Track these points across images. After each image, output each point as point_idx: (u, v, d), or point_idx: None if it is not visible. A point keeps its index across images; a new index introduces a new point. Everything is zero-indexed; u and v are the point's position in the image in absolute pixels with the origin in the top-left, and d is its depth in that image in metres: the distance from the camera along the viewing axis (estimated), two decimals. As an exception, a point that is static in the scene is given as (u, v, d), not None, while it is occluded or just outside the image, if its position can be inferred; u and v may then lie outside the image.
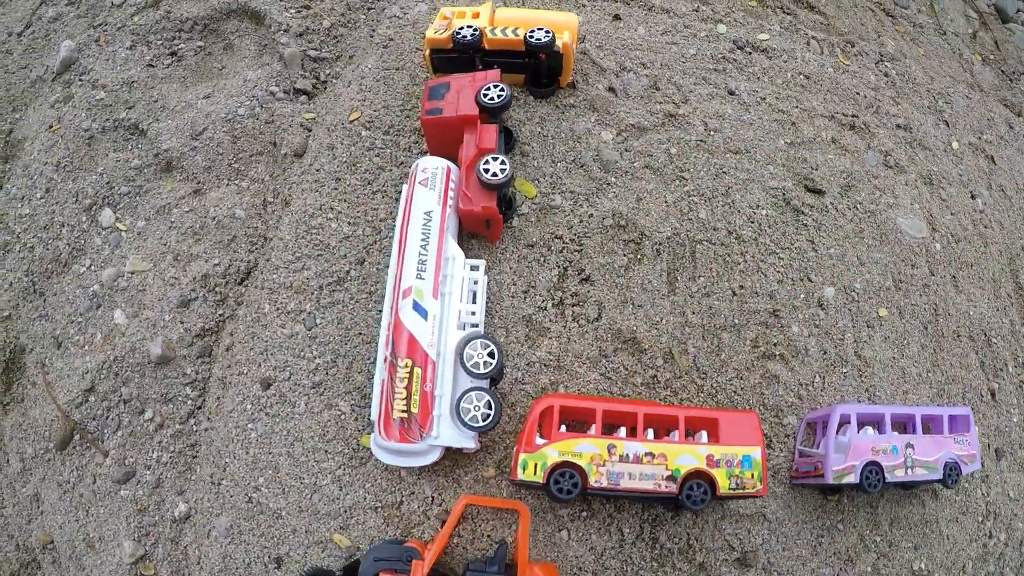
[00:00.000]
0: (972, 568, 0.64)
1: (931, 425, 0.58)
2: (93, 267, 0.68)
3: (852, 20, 1.02)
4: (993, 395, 0.71)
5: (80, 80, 0.84)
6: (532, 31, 0.53)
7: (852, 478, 0.49)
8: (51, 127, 0.80)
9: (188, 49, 0.80)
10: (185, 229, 0.68)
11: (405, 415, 0.40)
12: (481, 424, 0.39)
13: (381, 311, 0.50)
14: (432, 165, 0.48)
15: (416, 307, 0.42)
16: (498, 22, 0.56)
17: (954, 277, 0.73)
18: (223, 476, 0.51)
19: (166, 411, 0.61)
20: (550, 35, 0.53)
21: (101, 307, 0.66)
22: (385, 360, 0.42)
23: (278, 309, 0.54)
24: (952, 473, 0.55)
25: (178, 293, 0.64)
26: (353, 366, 0.49)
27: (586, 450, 0.42)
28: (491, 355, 0.41)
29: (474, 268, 0.45)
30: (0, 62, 0.94)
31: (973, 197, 0.82)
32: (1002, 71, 1.17)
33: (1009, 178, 0.89)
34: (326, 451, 0.48)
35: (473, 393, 0.40)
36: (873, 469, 0.50)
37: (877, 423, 0.53)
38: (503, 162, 0.46)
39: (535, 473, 0.41)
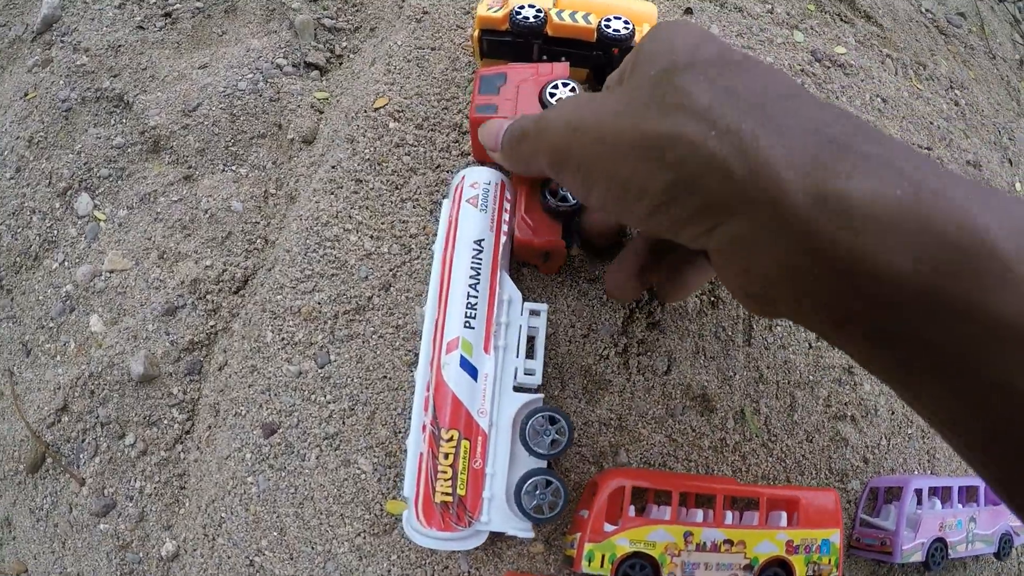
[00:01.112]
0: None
1: (976, 493, 0.53)
2: (67, 263, 0.59)
3: (907, 35, 0.94)
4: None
5: (62, 42, 0.73)
6: (608, 19, 0.44)
7: (919, 556, 0.46)
8: (27, 95, 0.70)
9: (184, 10, 0.69)
10: (173, 222, 0.58)
11: (450, 499, 0.34)
12: (546, 515, 0.33)
13: (411, 352, 0.41)
14: (483, 178, 0.39)
15: (464, 364, 0.34)
16: (565, 4, 0.46)
17: None
18: (218, 532, 0.43)
19: (150, 436, 0.53)
20: (630, 27, 0.44)
21: (75, 311, 0.57)
22: (424, 428, 0.35)
23: (283, 339, 0.45)
24: (1006, 546, 0.53)
25: (163, 298, 0.55)
26: (376, 416, 0.41)
27: (661, 538, 0.35)
28: (560, 432, 0.34)
29: (534, 313, 0.37)
30: (-27, 18, 0.82)
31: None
32: None
33: None
34: (342, 515, 0.40)
35: (538, 479, 0.33)
36: (939, 547, 0.47)
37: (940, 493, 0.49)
38: None
39: (602, 566, 0.34)
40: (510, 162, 0.33)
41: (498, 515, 0.34)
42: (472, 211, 0.37)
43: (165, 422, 0.53)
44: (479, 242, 0.37)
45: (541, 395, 0.36)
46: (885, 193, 0.17)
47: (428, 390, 0.35)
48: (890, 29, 0.88)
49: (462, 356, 0.35)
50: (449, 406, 0.34)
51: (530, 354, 0.37)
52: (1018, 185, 0.79)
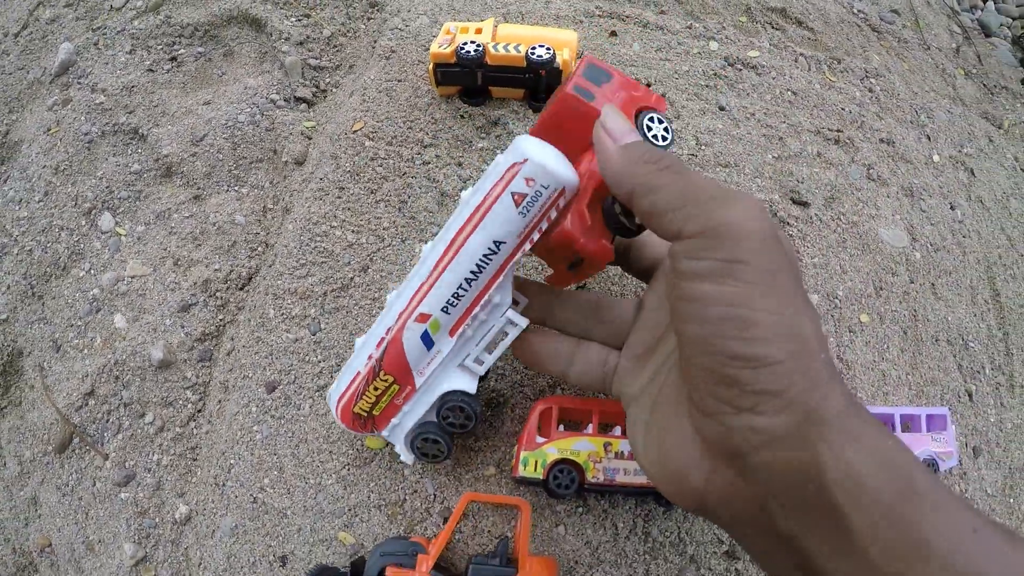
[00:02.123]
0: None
1: (910, 424, 0.62)
2: (93, 271, 0.70)
3: (838, 35, 1.07)
4: (970, 396, 0.76)
5: (79, 83, 0.86)
6: (533, 48, 0.57)
7: None
8: (49, 130, 0.82)
9: (188, 55, 0.83)
10: (185, 234, 0.70)
11: (364, 414, 0.41)
12: (430, 457, 0.43)
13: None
14: (542, 177, 0.31)
15: (424, 338, 0.37)
16: (500, 38, 0.59)
17: (933, 285, 0.78)
18: (227, 477, 0.53)
19: (167, 414, 0.63)
20: (551, 52, 0.57)
21: (101, 311, 0.68)
22: (370, 358, 0.39)
23: (283, 314, 0.56)
24: (930, 468, 0.60)
25: (179, 298, 0.66)
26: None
27: (584, 448, 0.45)
28: (468, 418, 0.40)
29: (512, 324, 0.37)
30: (-5, 63, 0.96)
31: (952, 208, 0.87)
32: (984, 84, 1.23)
33: (988, 190, 0.94)
34: (330, 452, 0.50)
35: (432, 433, 0.41)
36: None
37: None
38: None
39: (535, 470, 0.45)
40: (625, 165, 0.28)
41: (397, 439, 0.42)
42: (511, 210, 0.32)
43: (180, 402, 0.63)
44: (498, 244, 0.33)
45: (476, 378, 0.40)
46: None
47: (387, 333, 0.38)
48: (821, 32, 1.02)
49: (426, 331, 0.36)
50: (396, 359, 0.38)
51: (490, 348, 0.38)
52: (936, 156, 0.91)
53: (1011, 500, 0.77)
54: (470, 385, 0.38)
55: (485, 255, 0.33)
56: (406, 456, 0.40)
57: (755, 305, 0.22)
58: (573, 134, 0.35)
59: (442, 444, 0.40)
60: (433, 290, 0.35)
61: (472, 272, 0.34)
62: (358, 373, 0.39)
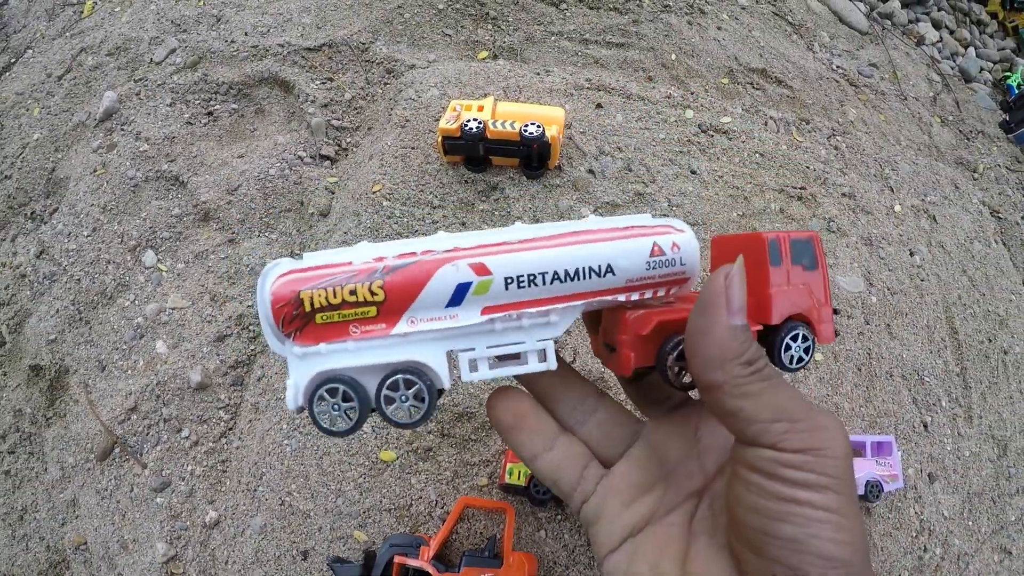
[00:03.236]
0: (908, 579, 0.81)
1: (861, 451, 0.75)
2: (137, 301, 0.85)
3: (816, 92, 1.24)
4: (926, 427, 0.90)
5: (122, 130, 1.03)
6: (526, 125, 0.73)
7: None
8: (96, 171, 0.99)
9: (223, 110, 1.00)
10: (221, 273, 0.85)
11: (304, 310, 0.29)
12: (323, 420, 0.30)
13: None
14: (690, 257, 0.32)
15: (460, 291, 0.29)
16: (499, 115, 0.76)
17: (888, 325, 0.92)
18: (259, 483, 0.67)
19: (201, 431, 0.77)
20: (540, 129, 0.73)
21: (144, 337, 0.83)
22: (379, 260, 0.30)
23: (312, 345, 0.71)
24: (873, 490, 0.73)
25: (215, 329, 0.81)
26: (374, 393, 0.67)
27: (558, 463, 0.59)
28: (420, 400, 0.30)
29: (541, 356, 0.31)
30: (43, 103, 1.14)
31: (912, 254, 1.02)
32: (960, 131, 1.40)
33: (951, 235, 1.09)
34: (350, 463, 0.64)
35: (352, 388, 0.30)
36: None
37: None
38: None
39: (519, 478, 0.59)
40: (724, 352, 0.27)
41: (302, 368, 0.29)
42: (643, 254, 0.31)
43: (214, 420, 0.78)
44: (610, 269, 0.30)
45: (450, 375, 0.31)
46: None
47: (420, 255, 0.29)
48: (799, 89, 1.19)
49: (469, 285, 0.29)
50: (408, 286, 0.29)
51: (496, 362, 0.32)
52: (897, 207, 1.06)
53: (970, 523, 0.90)
54: (443, 373, 0.30)
55: (591, 268, 0.30)
56: (292, 397, 0.29)
57: (845, 513, 0.25)
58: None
59: (355, 409, 0.29)
60: (511, 255, 0.30)
61: (566, 272, 0.30)
62: (348, 264, 0.29)
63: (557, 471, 0.35)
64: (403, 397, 0.30)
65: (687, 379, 0.32)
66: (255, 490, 0.68)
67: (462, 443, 0.65)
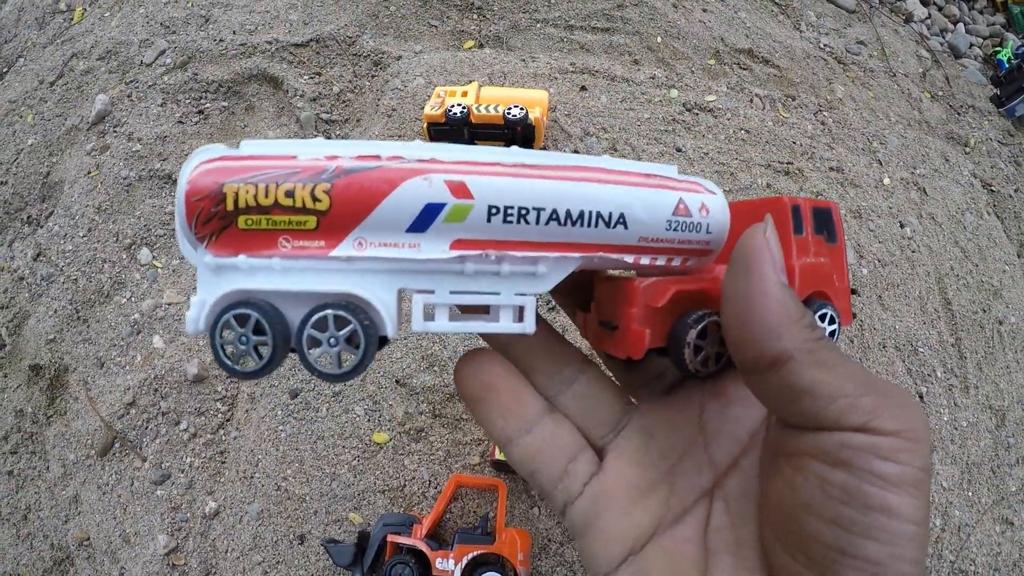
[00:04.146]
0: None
1: None
2: (133, 298, 0.86)
3: (804, 70, 1.24)
4: (921, 397, 0.89)
5: (115, 131, 1.03)
6: (509, 108, 0.73)
7: None
8: (90, 173, 0.99)
9: (214, 108, 1.00)
10: (214, 265, 0.86)
11: (226, 209, 0.22)
12: (226, 355, 0.23)
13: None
14: (718, 225, 0.27)
15: (428, 212, 0.22)
16: (483, 99, 0.76)
17: (880, 296, 0.92)
18: (255, 471, 0.67)
19: (199, 423, 0.78)
20: (524, 111, 0.73)
21: (141, 333, 0.83)
22: (331, 159, 0.22)
23: (304, 332, 0.72)
24: None
25: (209, 320, 0.82)
26: (367, 377, 0.67)
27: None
28: (355, 347, 0.23)
29: (518, 314, 0.25)
30: (36, 108, 1.14)
31: (902, 226, 1.01)
32: (950, 106, 1.39)
33: (941, 206, 1.09)
34: (343, 446, 0.65)
35: (266, 316, 0.23)
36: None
37: None
38: None
39: (509, 455, 0.59)
40: (784, 315, 0.22)
41: (213, 283, 0.23)
42: (666, 209, 0.25)
43: (211, 412, 0.78)
44: (621, 219, 0.24)
45: (396, 319, 0.24)
46: None
47: (382, 160, 0.22)
48: (787, 68, 1.19)
49: (442, 206, 0.22)
50: (361, 196, 0.22)
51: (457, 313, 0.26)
52: (886, 179, 1.06)
53: (969, 493, 0.89)
54: (390, 316, 0.23)
55: (599, 214, 0.24)
56: (194, 319, 0.23)
57: (925, 526, 0.20)
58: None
59: (267, 345, 0.22)
60: (502, 179, 0.23)
61: (568, 213, 0.23)
62: (292, 158, 0.22)
63: (534, 461, 0.27)
64: (332, 340, 0.23)
65: (704, 362, 0.26)
66: (252, 477, 0.68)
67: (454, 423, 0.65)
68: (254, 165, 0.22)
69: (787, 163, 0.94)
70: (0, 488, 0.83)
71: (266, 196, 0.22)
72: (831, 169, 0.99)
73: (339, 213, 0.22)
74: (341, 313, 0.23)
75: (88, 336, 0.86)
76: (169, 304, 0.84)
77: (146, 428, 0.79)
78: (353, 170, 0.22)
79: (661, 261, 0.26)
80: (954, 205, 1.11)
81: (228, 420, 0.78)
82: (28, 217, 1.03)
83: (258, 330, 0.23)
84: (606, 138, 0.82)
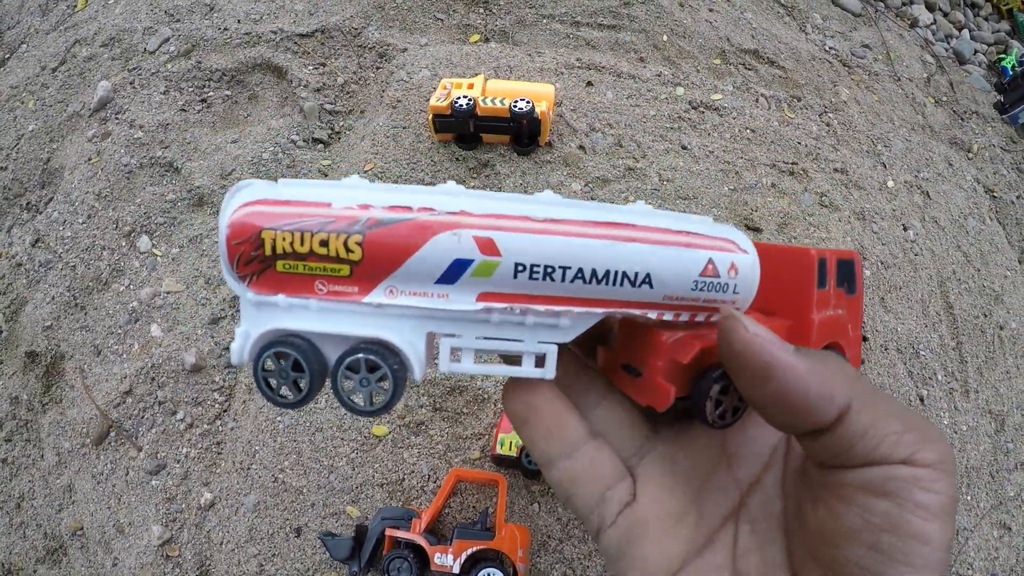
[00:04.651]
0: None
1: None
2: (132, 286, 0.85)
3: (809, 72, 1.23)
4: (922, 400, 0.89)
5: (117, 118, 1.02)
6: (515, 101, 0.72)
7: None
8: (90, 160, 0.98)
9: (217, 97, 0.99)
10: (215, 257, 0.85)
11: (266, 253, 0.24)
12: (268, 387, 0.25)
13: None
14: (747, 285, 0.27)
15: (456, 268, 0.24)
16: (489, 92, 0.75)
17: (882, 299, 0.91)
18: (252, 461, 0.67)
19: (196, 413, 0.77)
20: (530, 104, 0.72)
21: (139, 321, 0.82)
22: (364, 208, 0.23)
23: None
24: None
25: (209, 312, 0.81)
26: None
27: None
28: (385, 387, 0.25)
29: (539, 360, 0.26)
30: (37, 94, 1.13)
31: (905, 229, 1.01)
32: (954, 111, 1.39)
33: (944, 210, 1.09)
34: (342, 438, 0.64)
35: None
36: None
37: None
38: None
39: (510, 449, 0.58)
40: (836, 373, 0.23)
41: (255, 318, 0.25)
42: (693, 270, 0.25)
43: (208, 402, 0.77)
44: (647, 279, 0.25)
45: (425, 363, 0.26)
46: None
47: (415, 211, 0.23)
48: (792, 70, 1.18)
49: (470, 263, 0.23)
50: (393, 249, 0.23)
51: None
52: (890, 182, 1.05)
53: (968, 497, 0.89)
54: (418, 362, 0.25)
55: (625, 273, 0.25)
56: (238, 350, 0.25)
57: (947, 551, 0.21)
58: (766, 286, 0.29)
59: (306, 380, 0.24)
60: (530, 236, 0.24)
61: (593, 271, 0.24)
62: (327, 205, 0.23)
63: (573, 485, 0.28)
64: (364, 381, 0.24)
65: (722, 415, 0.27)
66: (248, 468, 0.67)
67: (454, 417, 0.64)
68: (291, 212, 0.23)
69: (792, 163, 0.94)
70: (-7, 475, 0.82)
71: (302, 244, 0.23)
72: (836, 170, 0.99)
73: (371, 263, 0.23)
74: (372, 358, 0.24)
75: (85, 324, 0.85)
76: (168, 292, 0.83)
77: (142, 417, 0.78)
78: (385, 222, 0.23)
79: (685, 317, 0.26)
80: (957, 209, 1.10)
81: (225, 410, 0.77)
82: (27, 203, 1.01)
83: (296, 366, 0.24)
84: (611, 134, 0.82)
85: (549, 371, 0.26)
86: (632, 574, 0.27)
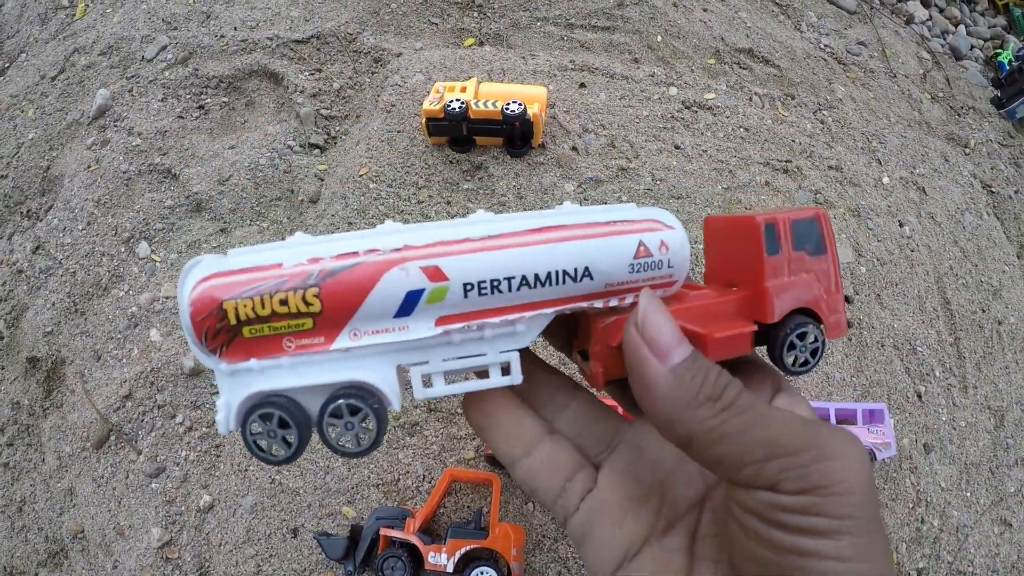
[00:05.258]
0: (906, 549, 0.80)
1: (848, 419, 0.75)
2: (131, 292, 0.86)
3: (804, 70, 1.23)
4: (919, 396, 0.89)
5: (115, 126, 1.03)
6: (508, 104, 0.73)
7: None
8: (89, 167, 0.99)
9: (214, 104, 1.00)
10: (212, 259, 0.86)
11: (229, 323, 0.24)
12: (258, 448, 0.25)
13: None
14: (679, 258, 0.28)
15: (410, 300, 0.25)
16: (482, 95, 0.76)
17: (879, 295, 0.91)
18: (250, 464, 0.67)
19: (195, 416, 0.78)
20: (522, 107, 0.73)
21: (138, 326, 0.83)
22: (314, 262, 0.25)
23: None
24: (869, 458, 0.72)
25: (206, 314, 0.81)
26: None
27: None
28: (369, 425, 0.26)
29: (504, 370, 0.27)
30: (37, 102, 1.15)
31: (901, 225, 1.01)
32: (951, 107, 1.39)
33: (941, 206, 1.08)
34: (338, 439, 0.64)
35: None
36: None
37: None
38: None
39: (504, 450, 0.58)
40: (677, 400, 0.23)
41: (232, 387, 0.25)
42: (627, 254, 0.26)
43: (208, 406, 0.78)
44: (587, 273, 0.26)
45: (399, 393, 0.26)
46: None
47: (362, 255, 0.25)
48: (787, 68, 1.18)
49: (421, 292, 0.25)
50: (348, 294, 0.24)
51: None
52: (885, 178, 1.05)
53: (967, 494, 0.88)
54: (393, 393, 0.26)
55: (566, 271, 0.26)
56: (223, 420, 0.25)
57: (866, 556, 0.21)
58: (723, 258, 0.30)
59: (291, 434, 0.25)
60: (471, 256, 0.25)
61: (536, 276, 0.26)
62: (278, 266, 0.24)
63: (535, 480, 0.30)
64: (348, 424, 0.25)
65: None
66: (246, 471, 0.68)
67: (448, 417, 0.64)
68: (247, 279, 0.24)
69: (786, 161, 0.94)
70: (-4, 480, 0.83)
71: (263, 307, 0.24)
72: (830, 168, 0.99)
73: (331, 311, 0.25)
74: (352, 402, 0.25)
75: (85, 329, 0.86)
76: (167, 298, 0.84)
77: (142, 421, 0.78)
78: (336, 270, 0.25)
79: (629, 299, 0.28)
80: (953, 205, 1.10)
81: (224, 414, 0.78)
82: (28, 211, 1.02)
83: (282, 423, 0.25)
84: (604, 134, 0.82)
85: (516, 376, 0.27)
86: (593, 553, 0.28)
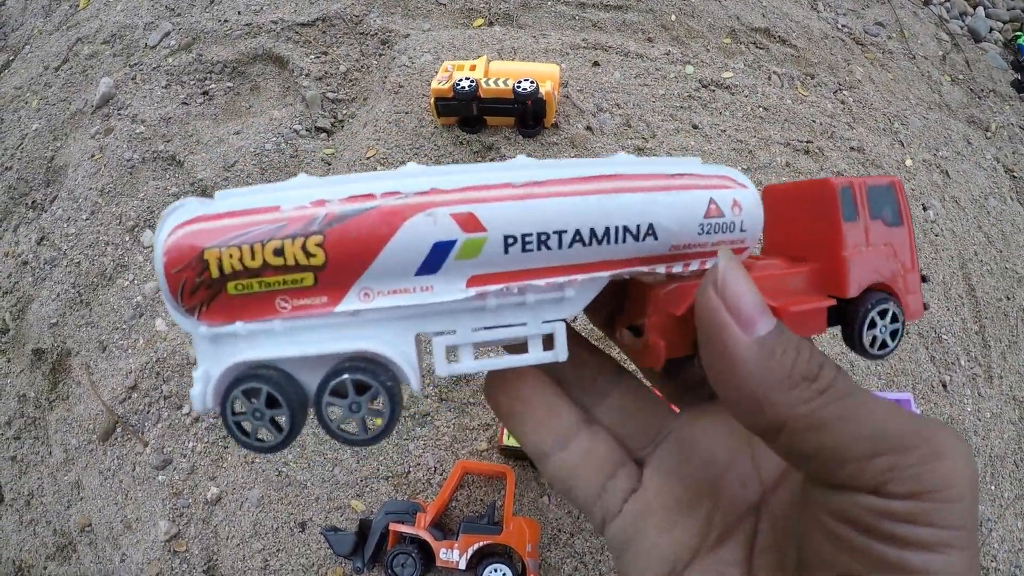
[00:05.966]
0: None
1: None
2: (136, 281, 0.83)
3: (822, 50, 1.18)
4: (944, 386, 0.84)
5: (119, 114, 1.00)
6: (519, 82, 0.69)
7: None
8: (93, 156, 0.96)
9: (219, 89, 0.97)
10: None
11: (212, 275, 0.19)
12: (242, 432, 0.20)
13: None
14: (753, 220, 0.24)
15: (437, 251, 0.20)
16: (492, 73, 0.71)
17: (903, 284, 0.87)
18: (256, 455, 0.64)
19: (200, 406, 0.74)
20: (534, 85, 0.68)
21: (144, 316, 0.80)
22: (320, 204, 0.19)
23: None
24: None
25: (212, 303, 0.78)
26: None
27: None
28: (380, 407, 0.21)
29: (549, 342, 0.22)
30: (40, 93, 1.11)
31: (925, 209, 0.96)
32: (971, 90, 1.33)
33: (964, 190, 1.03)
34: (346, 430, 0.61)
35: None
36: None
37: None
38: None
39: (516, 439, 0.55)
40: (765, 378, 0.19)
41: (213, 354, 0.20)
42: (696, 213, 0.22)
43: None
44: (650, 231, 0.22)
45: (419, 371, 0.22)
46: None
47: (377, 198, 0.19)
48: (804, 48, 1.13)
49: (452, 244, 0.20)
50: (360, 244, 0.19)
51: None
52: (908, 161, 1.00)
53: (992, 487, 0.84)
54: (412, 369, 0.21)
55: (627, 228, 0.21)
56: (200, 395, 0.20)
57: (961, 573, 0.18)
58: (789, 229, 0.26)
59: (285, 416, 0.20)
60: (514, 203, 0.20)
61: (592, 231, 0.21)
62: (275, 209, 0.19)
63: (570, 478, 0.25)
64: (354, 406, 0.20)
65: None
66: (253, 462, 0.64)
67: (461, 407, 0.61)
68: (235, 224, 0.19)
69: (807, 142, 0.89)
70: (4, 473, 0.80)
71: (253, 258, 0.19)
72: (852, 149, 0.94)
73: (337, 265, 0.20)
74: (360, 377, 0.20)
75: (91, 319, 0.83)
76: (171, 286, 0.81)
77: (148, 412, 0.75)
78: (345, 215, 0.19)
79: (695, 266, 0.23)
80: (977, 189, 1.05)
81: (230, 404, 0.75)
82: (32, 202, 0.99)
83: (271, 402, 0.20)
84: (619, 114, 0.78)
85: (561, 352, 0.22)
86: (635, 564, 0.24)
